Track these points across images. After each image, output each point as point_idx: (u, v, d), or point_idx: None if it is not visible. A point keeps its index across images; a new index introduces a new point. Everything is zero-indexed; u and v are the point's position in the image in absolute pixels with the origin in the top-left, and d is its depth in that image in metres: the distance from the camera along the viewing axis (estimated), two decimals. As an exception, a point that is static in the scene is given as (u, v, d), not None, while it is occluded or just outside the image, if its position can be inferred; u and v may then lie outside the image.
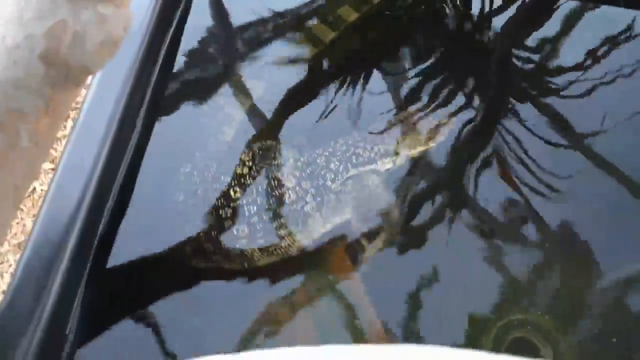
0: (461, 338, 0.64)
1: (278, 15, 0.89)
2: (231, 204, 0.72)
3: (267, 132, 0.79)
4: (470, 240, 0.70)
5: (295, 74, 0.84)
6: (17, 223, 1.36)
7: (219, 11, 0.90)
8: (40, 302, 0.59)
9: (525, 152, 0.75)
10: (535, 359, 0.36)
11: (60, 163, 0.66)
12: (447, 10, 0.90)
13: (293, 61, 0.85)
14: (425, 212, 0.72)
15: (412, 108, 0.80)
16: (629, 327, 0.64)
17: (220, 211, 0.72)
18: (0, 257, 1.34)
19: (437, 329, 0.64)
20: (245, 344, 0.64)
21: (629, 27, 0.84)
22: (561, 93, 0.80)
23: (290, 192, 0.72)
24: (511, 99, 0.81)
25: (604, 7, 0.86)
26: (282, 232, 0.70)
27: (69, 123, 1.39)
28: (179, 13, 0.82)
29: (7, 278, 1.32)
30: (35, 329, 0.58)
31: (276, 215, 0.71)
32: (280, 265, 0.70)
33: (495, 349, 0.61)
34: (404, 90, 0.83)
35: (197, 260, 0.70)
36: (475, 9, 0.89)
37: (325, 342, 0.61)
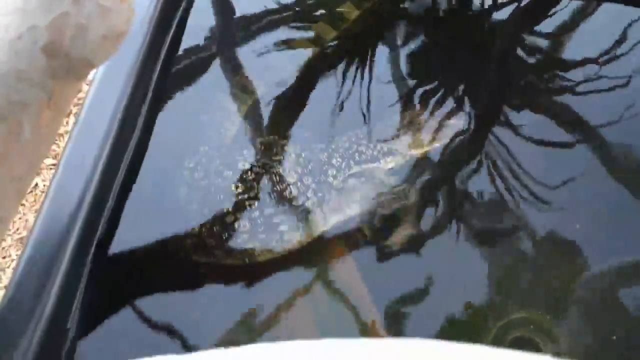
0: (461, 338, 0.64)
1: (279, 11, 0.90)
2: (233, 199, 0.72)
3: (269, 128, 0.80)
4: (470, 240, 0.70)
5: (298, 71, 0.84)
6: (20, 218, 1.37)
7: (221, 8, 0.91)
8: (42, 297, 0.59)
9: (525, 153, 0.75)
10: (536, 354, 0.36)
11: (62, 159, 0.67)
12: (446, 7, 0.90)
13: (295, 58, 0.85)
14: (427, 211, 0.72)
15: (417, 108, 0.80)
16: (629, 327, 0.64)
17: (222, 206, 0.72)
18: (3, 252, 1.34)
19: (437, 328, 0.64)
20: (245, 339, 0.64)
21: (630, 25, 0.84)
22: (575, 90, 0.79)
23: (291, 187, 0.72)
24: (513, 99, 0.80)
25: (605, 5, 0.86)
26: (283, 227, 0.71)
27: (71, 119, 1.39)
28: (180, 11, 0.83)
29: (9, 273, 1.32)
30: (37, 324, 0.58)
31: (277, 211, 0.71)
32: (281, 261, 0.70)
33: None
34: (409, 89, 0.83)
35: (198, 255, 0.70)
36: (475, 7, 0.89)
37: (325, 338, 0.61)
